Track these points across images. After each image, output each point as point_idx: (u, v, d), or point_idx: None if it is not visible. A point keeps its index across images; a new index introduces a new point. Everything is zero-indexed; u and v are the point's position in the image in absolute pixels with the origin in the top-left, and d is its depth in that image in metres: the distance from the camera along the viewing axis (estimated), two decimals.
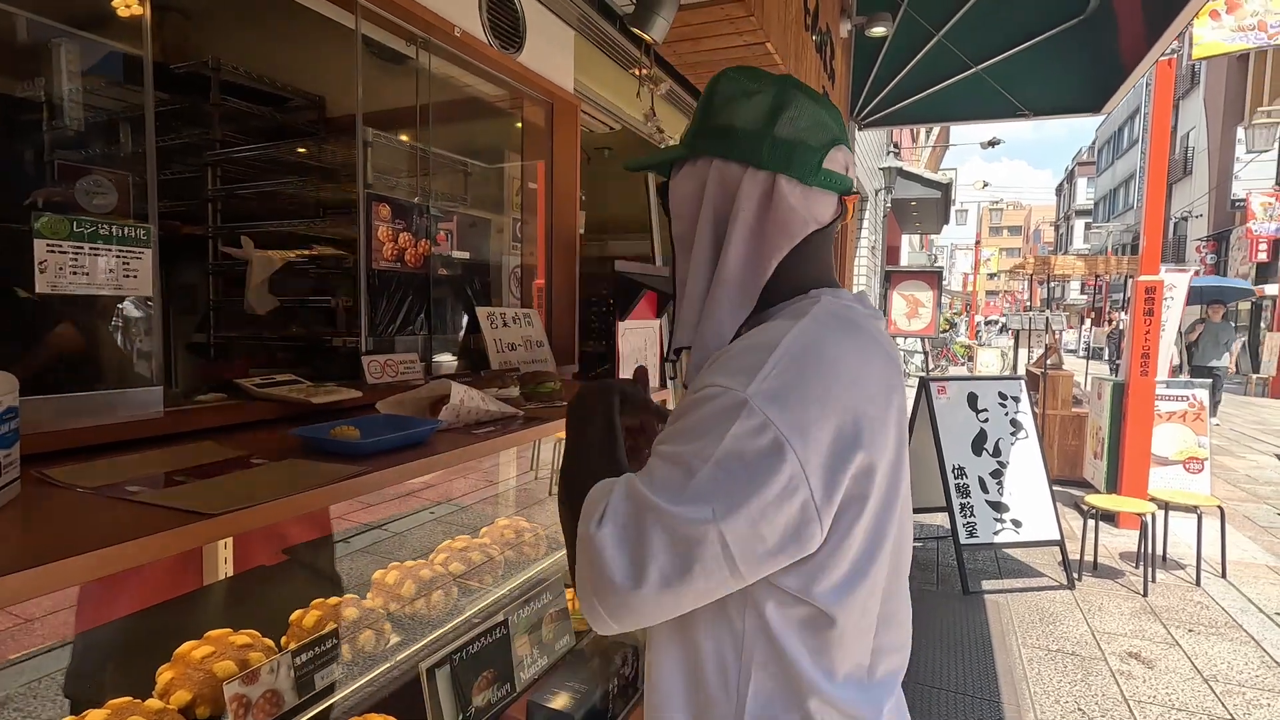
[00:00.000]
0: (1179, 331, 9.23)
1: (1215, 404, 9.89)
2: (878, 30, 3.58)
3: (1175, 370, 8.99)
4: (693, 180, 0.76)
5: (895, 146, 7.72)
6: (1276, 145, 15.59)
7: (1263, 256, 15.63)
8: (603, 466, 0.69)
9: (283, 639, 0.99)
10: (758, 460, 0.60)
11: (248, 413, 1.22)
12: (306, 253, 1.93)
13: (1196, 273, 17.76)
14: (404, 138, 1.89)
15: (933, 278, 7.00)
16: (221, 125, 2.05)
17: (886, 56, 3.92)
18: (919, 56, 3.86)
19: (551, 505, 2.47)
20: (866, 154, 5.35)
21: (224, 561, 1.16)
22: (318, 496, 0.81)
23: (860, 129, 4.26)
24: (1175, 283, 5.80)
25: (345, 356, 1.79)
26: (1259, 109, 17.48)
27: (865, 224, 5.60)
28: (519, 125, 2.23)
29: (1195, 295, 11.47)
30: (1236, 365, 12.11)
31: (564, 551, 1.76)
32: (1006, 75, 3.71)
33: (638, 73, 1.90)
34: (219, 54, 1.98)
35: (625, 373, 2.25)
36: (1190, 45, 10.86)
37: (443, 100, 1.93)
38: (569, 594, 1.75)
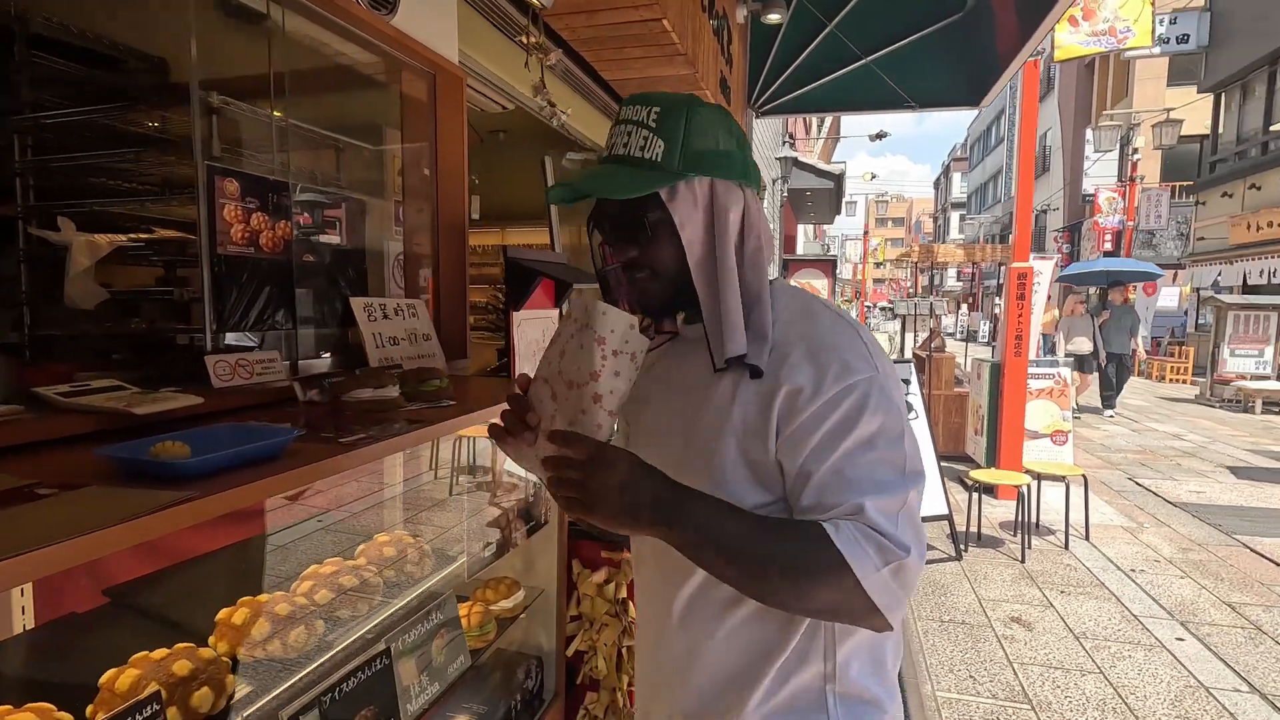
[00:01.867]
0: (1059, 315, 9.84)
1: (1115, 394, 9.67)
2: (773, 17, 3.59)
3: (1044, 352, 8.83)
4: (694, 199, 0.83)
5: (790, 137, 7.90)
6: (1118, 146, 17.28)
7: (1108, 246, 17.32)
8: (742, 526, 0.75)
9: (89, 709, 0.80)
10: (907, 424, 0.79)
11: (51, 428, 1.00)
12: (143, 236, 1.66)
13: (1058, 262, 19.49)
14: (265, 110, 1.66)
15: (828, 266, 7.24)
16: (35, 88, 1.73)
17: (781, 45, 3.95)
18: (812, 46, 3.91)
19: (455, 505, 2.30)
20: (763, 143, 5.40)
21: (21, 611, 0.95)
22: (116, 535, 0.64)
23: (757, 117, 4.28)
24: (1042, 269, 6.29)
25: (195, 357, 1.56)
26: (1104, 113, 19.35)
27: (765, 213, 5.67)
28: (398, 99, 2.03)
29: (1100, 278, 11.83)
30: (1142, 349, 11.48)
31: (458, 564, 1.62)
32: (895, 67, 3.83)
33: (525, 40, 1.76)
34: (30, 3, 1.66)
35: (521, 367, 2.11)
36: (1052, 48, 11.81)
37: (307, 67, 1.72)
38: (463, 609, 1.61)
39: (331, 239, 1.75)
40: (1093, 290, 14.85)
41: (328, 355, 1.69)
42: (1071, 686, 2.89)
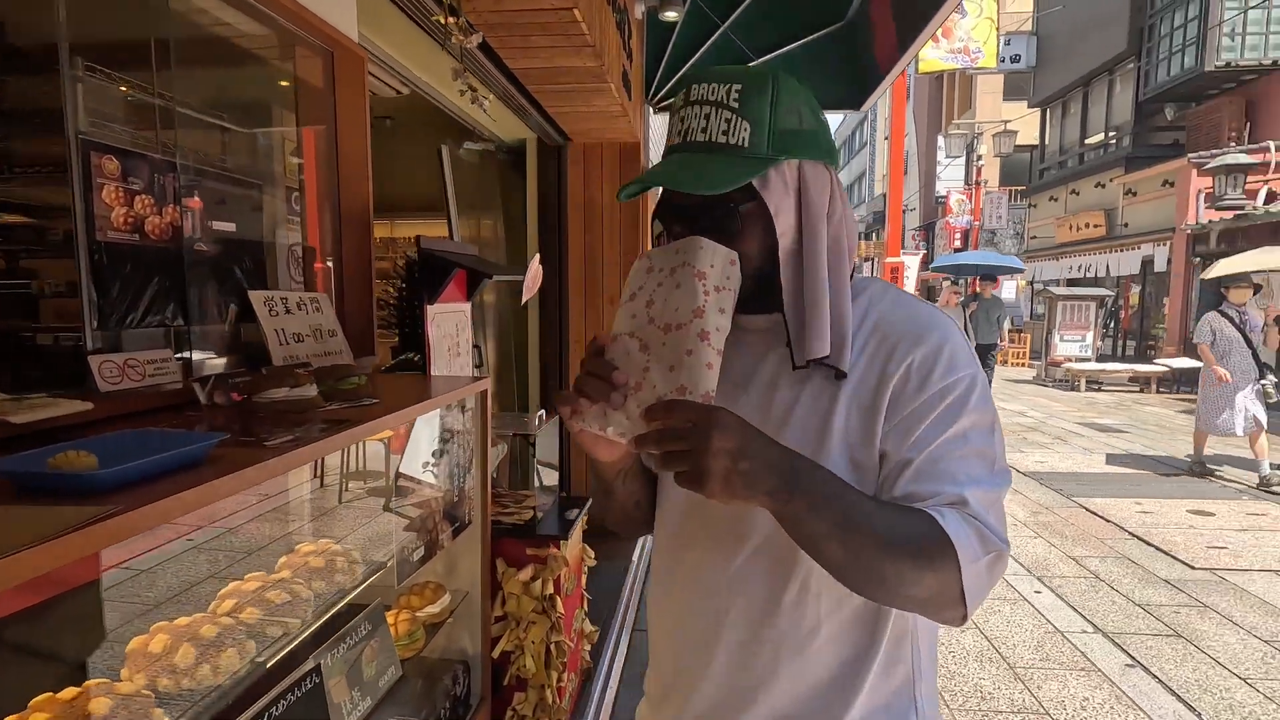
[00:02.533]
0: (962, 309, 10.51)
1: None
2: (670, 15, 3.65)
3: None
4: (784, 185, 0.77)
5: None
6: (965, 152, 19.05)
7: (958, 243, 19.07)
8: (861, 499, 0.72)
9: None
10: (998, 421, 0.79)
11: None
12: None
13: (922, 257, 21.22)
14: (145, 83, 1.48)
15: None
16: None
17: (678, 42, 4.02)
18: (707, 45, 4.01)
19: (344, 514, 2.17)
20: (660, 139, 5.49)
21: None
22: (30, 560, 0.56)
23: (655, 112, 4.34)
24: (910, 263, 6.89)
25: (61, 357, 1.37)
26: (953, 122, 21.26)
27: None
28: (293, 78, 1.88)
29: (971, 270, 12.39)
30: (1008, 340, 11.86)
31: (383, 571, 1.53)
32: (784, 69, 4.00)
33: (444, 21, 1.69)
34: None
35: (438, 365, 2.03)
36: (917, 61, 12.83)
37: (190, 37, 1.55)
38: (390, 617, 1.53)
39: (225, 227, 1.59)
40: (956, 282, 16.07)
41: (225, 354, 1.54)
42: (953, 643, 3.17)
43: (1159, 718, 2.62)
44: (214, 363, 1.54)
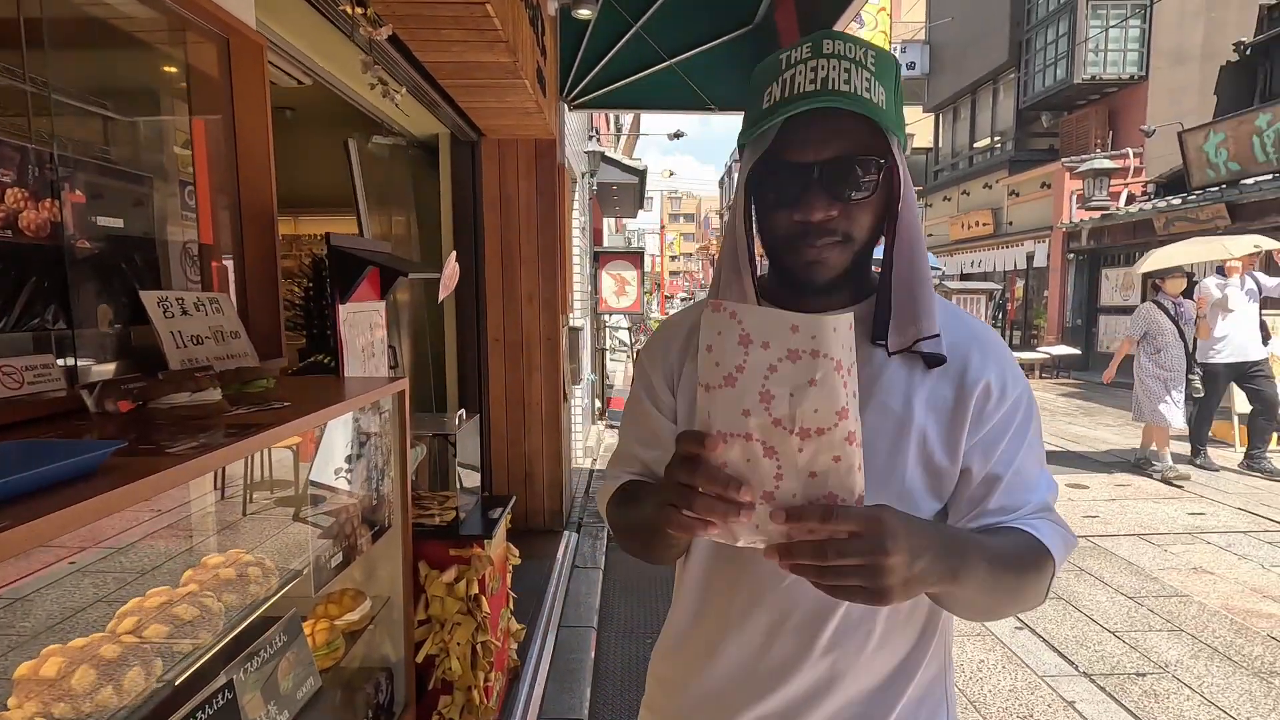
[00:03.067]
0: None
1: None
2: (583, 13, 3.65)
3: None
4: (901, 159, 0.73)
5: (595, 132, 8.08)
6: None
7: None
8: (999, 554, 0.71)
9: None
10: None
11: None
12: None
13: None
14: (15, 64, 1.36)
15: (636, 258, 7.54)
16: None
17: (591, 40, 4.03)
18: (620, 44, 4.04)
19: (248, 526, 2.07)
20: (574, 137, 5.48)
21: None
22: None
23: (570, 110, 4.34)
24: None
25: None
26: None
27: (576, 205, 5.76)
28: (184, 65, 1.76)
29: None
30: None
31: (299, 580, 1.47)
32: (696, 71, 4.09)
33: (350, 11, 1.63)
34: None
35: (351, 366, 1.96)
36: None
37: (65, 16, 1.44)
38: (307, 627, 1.48)
39: (111, 223, 1.48)
40: None
41: (115, 359, 1.44)
42: None
43: (1043, 672, 2.87)
44: (103, 368, 1.44)
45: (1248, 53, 12.32)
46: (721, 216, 60.44)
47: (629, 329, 12.68)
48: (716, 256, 0.86)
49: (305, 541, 1.64)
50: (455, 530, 1.96)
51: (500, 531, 2.15)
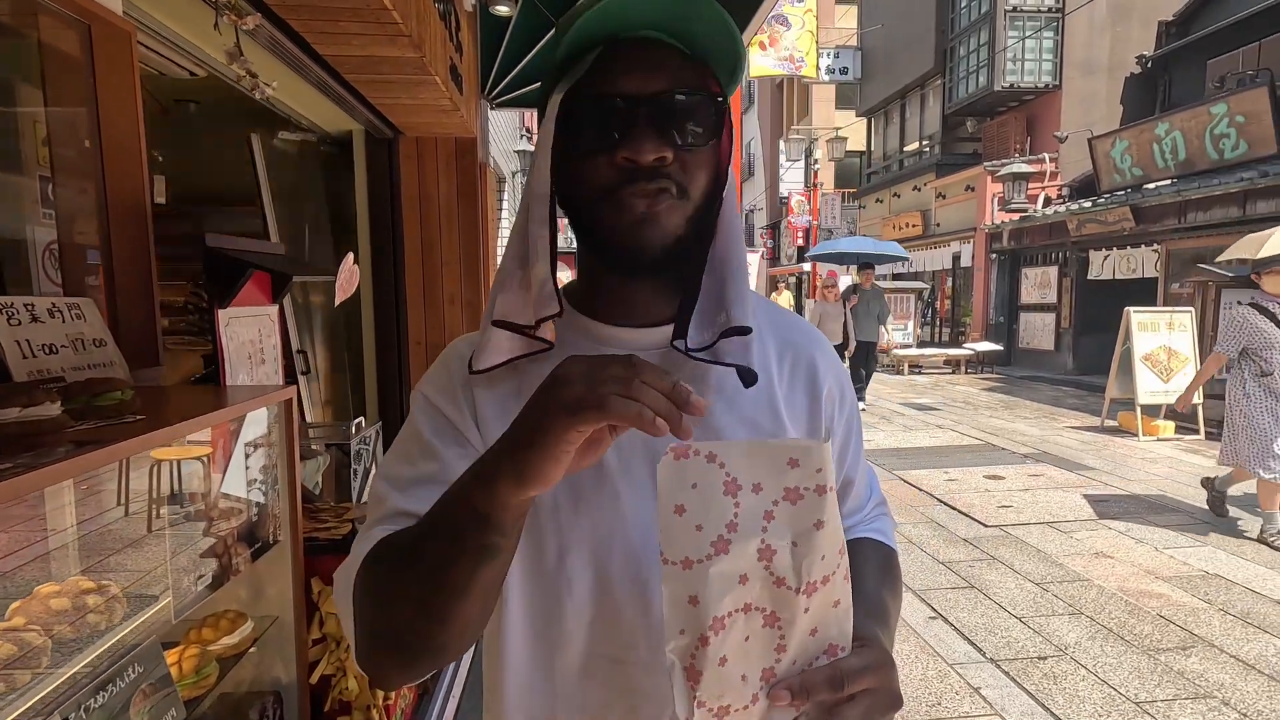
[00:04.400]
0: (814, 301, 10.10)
1: (864, 385, 9.20)
2: (501, 9, 3.59)
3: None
4: (726, 126, 0.63)
5: (527, 131, 7.98)
6: (804, 156, 20.45)
7: (800, 241, 20.45)
8: (891, 604, 0.69)
9: None
10: None
11: None
12: None
13: (763, 254, 22.48)
14: None
15: (570, 259, 7.47)
16: None
17: (513, 38, 3.96)
18: (544, 42, 3.99)
19: (153, 544, 1.95)
20: (501, 136, 5.39)
21: None
22: None
23: (492, 108, 4.26)
24: (750, 261, 7.25)
25: None
26: (792, 128, 22.74)
27: (505, 205, 5.67)
28: (36, 52, 1.63)
29: (851, 258, 11.71)
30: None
31: (161, 605, 1.38)
32: None
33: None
34: None
35: (236, 374, 1.86)
36: (749, 68, 13.56)
37: None
38: (172, 655, 1.39)
39: None
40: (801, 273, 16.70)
41: None
42: None
43: (953, 660, 2.97)
44: None
45: (1149, 66, 13.14)
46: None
47: None
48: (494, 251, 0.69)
49: (180, 561, 1.55)
50: (351, 544, 1.88)
51: None
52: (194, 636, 1.49)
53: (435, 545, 0.51)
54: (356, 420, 2.09)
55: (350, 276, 2.05)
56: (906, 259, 12.98)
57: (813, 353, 0.71)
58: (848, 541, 0.52)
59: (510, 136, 6.37)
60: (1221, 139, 9.55)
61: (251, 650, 1.59)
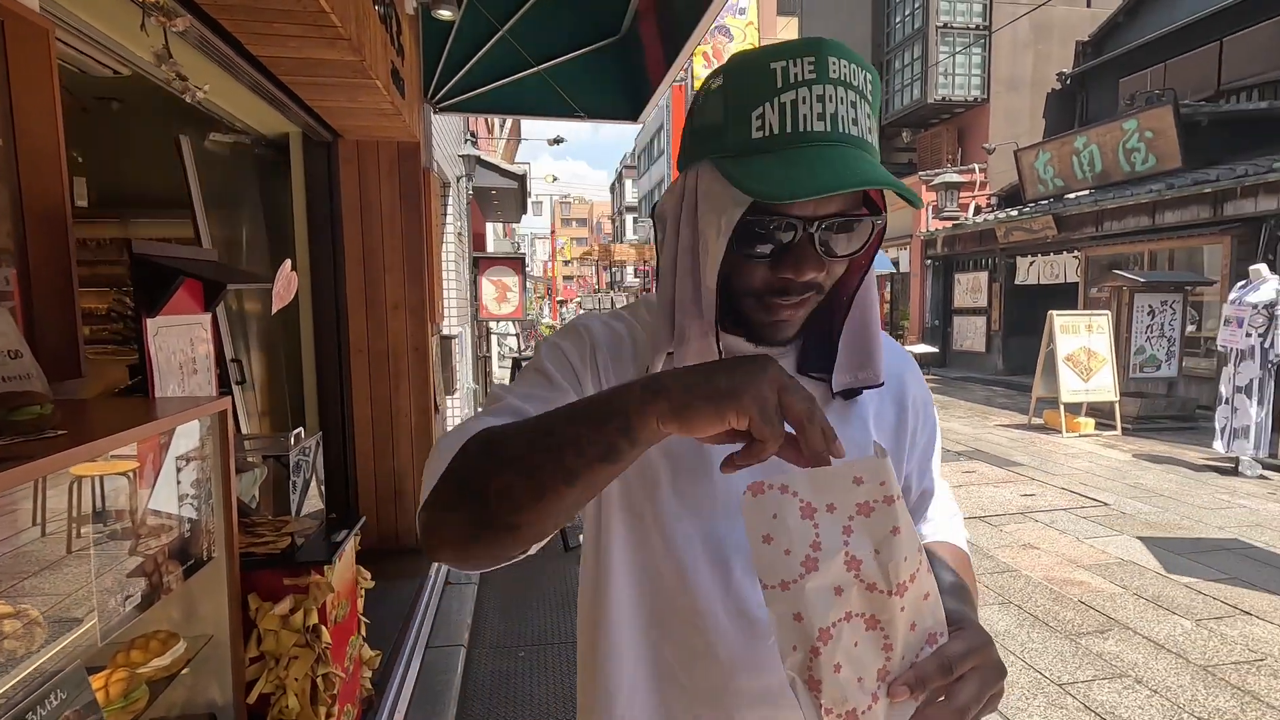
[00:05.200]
0: None
1: None
2: (444, 13, 3.55)
3: None
4: (877, 236, 0.68)
5: (472, 135, 7.90)
6: None
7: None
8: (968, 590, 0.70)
9: None
10: None
11: None
12: None
13: None
14: None
15: (517, 264, 7.43)
16: None
17: (456, 42, 3.93)
18: (487, 47, 3.97)
19: (74, 565, 1.85)
20: (445, 140, 5.34)
21: None
22: None
23: (436, 112, 4.21)
24: None
25: None
26: None
27: (450, 210, 5.60)
28: None
29: None
30: None
31: (85, 629, 1.33)
32: (565, 78, 4.09)
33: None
34: None
35: (166, 385, 1.79)
36: (693, 78, 13.75)
37: None
38: (99, 679, 1.33)
39: None
40: None
41: None
42: None
43: None
44: None
45: (1068, 82, 13.92)
46: (613, 221, 60.76)
47: (517, 335, 12.48)
48: (659, 288, 0.69)
49: (105, 582, 1.48)
50: (291, 557, 1.83)
51: (347, 555, 2.04)
52: (122, 659, 1.43)
53: (572, 427, 0.53)
54: (295, 431, 2.04)
55: (288, 283, 2.00)
56: (891, 269, 12.80)
57: (902, 371, 0.79)
58: (926, 545, 0.60)
59: (455, 141, 6.30)
60: (1133, 153, 10.20)
61: (184, 671, 1.53)
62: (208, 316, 1.94)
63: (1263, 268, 5.94)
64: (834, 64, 0.59)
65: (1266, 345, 5.72)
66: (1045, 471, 6.19)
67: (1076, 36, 14.00)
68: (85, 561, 1.55)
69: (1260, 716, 2.54)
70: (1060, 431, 7.75)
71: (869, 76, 0.62)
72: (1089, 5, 14.76)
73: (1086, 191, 11.09)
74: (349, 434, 3.83)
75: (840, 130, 0.59)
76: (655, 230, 0.72)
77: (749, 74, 0.61)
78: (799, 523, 0.48)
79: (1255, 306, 5.75)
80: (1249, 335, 5.78)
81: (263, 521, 1.98)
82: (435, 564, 3.77)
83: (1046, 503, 5.24)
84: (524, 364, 0.75)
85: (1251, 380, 5.80)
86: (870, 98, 0.62)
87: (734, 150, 0.61)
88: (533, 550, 0.60)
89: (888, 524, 0.49)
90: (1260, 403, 5.79)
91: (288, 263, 2.04)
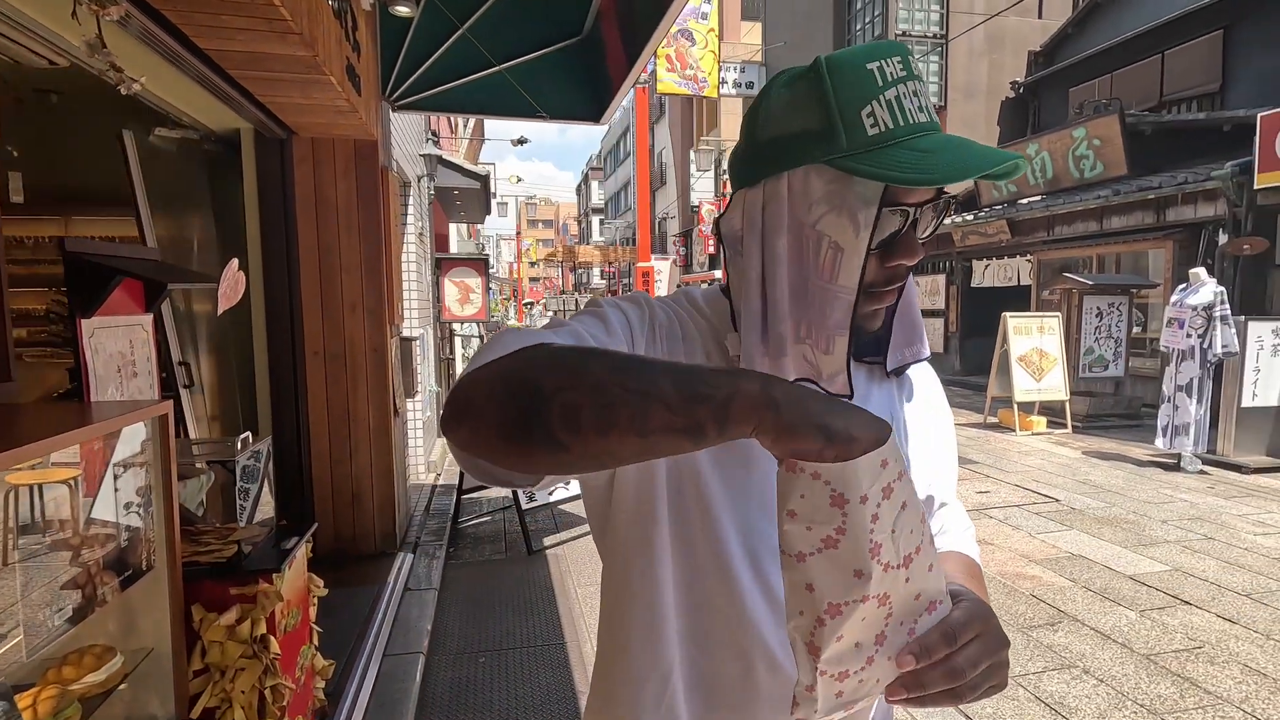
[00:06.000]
0: None
1: None
2: (401, 10, 3.49)
3: None
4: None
5: (434, 135, 7.79)
6: (714, 166, 20.99)
7: (712, 250, 20.98)
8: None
9: None
10: None
11: None
12: None
13: (675, 261, 22.88)
14: None
15: (480, 265, 7.34)
16: None
17: (415, 39, 3.87)
18: (446, 45, 3.92)
19: (8, 578, 1.77)
20: (405, 139, 5.26)
21: None
22: None
23: (394, 110, 4.14)
24: (661, 268, 7.37)
25: None
26: (701, 139, 23.28)
27: (411, 210, 5.52)
28: None
29: None
30: None
31: (11, 644, 1.27)
32: (527, 78, 4.06)
33: None
34: None
35: (103, 389, 1.72)
36: (656, 81, 13.80)
37: None
38: (26, 698, 1.27)
39: None
40: None
41: None
42: None
43: None
44: None
45: (1021, 91, 14.34)
46: (579, 223, 60.51)
47: (481, 337, 12.35)
48: (746, 302, 0.68)
49: (37, 595, 1.42)
50: (238, 566, 1.78)
51: (298, 562, 1.99)
52: (53, 675, 1.36)
53: (668, 382, 0.48)
54: (244, 435, 1.98)
55: (235, 284, 1.94)
56: None
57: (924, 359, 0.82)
58: (943, 553, 0.66)
59: (416, 140, 6.21)
60: (1082, 160, 10.55)
61: (122, 687, 1.47)
62: (149, 317, 1.87)
63: (1201, 271, 6.19)
64: (913, 62, 0.64)
65: (1205, 346, 5.97)
66: (1000, 469, 6.35)
67: (1029, 46, 14.43)
68: (11, 575, 1.48)
69: (1199, 702, 2.65)
70: (1014, 430, 7.97)
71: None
72: (1040, 16, 15.23)
73: (1039, 197, 11.43)
74: (304, 438, 3.74)
75: (933, 120, 0.63)
76: (723, 247, 0.72)
77: (849, 76, 0.62)
78: (828, 510, 0.47)
79: (1195, 309, 6.00)
80: (1189, 336, 6.02)
81: (208, 529, 1.92)
82: (395, 570, 3.70)
83: (1001, 499, 5.38)
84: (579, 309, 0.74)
85: (1191, 379, 6.05)
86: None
87: (855, 148, 0.62)
88: (547, 484, 0.60)
89: (900, 499, 0.49)
90: (1199, 401, 6.04)
91: (234, 262, 1.98)
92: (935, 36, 15.10)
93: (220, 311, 2.02)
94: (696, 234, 22.77)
